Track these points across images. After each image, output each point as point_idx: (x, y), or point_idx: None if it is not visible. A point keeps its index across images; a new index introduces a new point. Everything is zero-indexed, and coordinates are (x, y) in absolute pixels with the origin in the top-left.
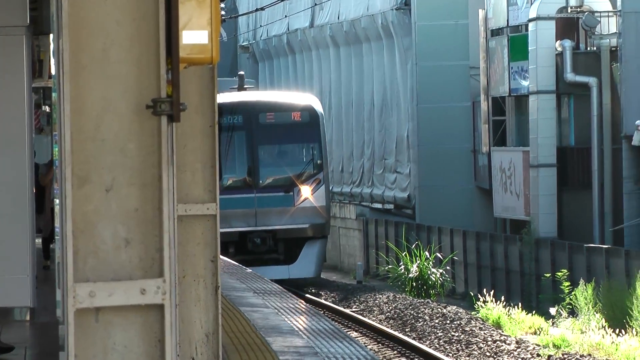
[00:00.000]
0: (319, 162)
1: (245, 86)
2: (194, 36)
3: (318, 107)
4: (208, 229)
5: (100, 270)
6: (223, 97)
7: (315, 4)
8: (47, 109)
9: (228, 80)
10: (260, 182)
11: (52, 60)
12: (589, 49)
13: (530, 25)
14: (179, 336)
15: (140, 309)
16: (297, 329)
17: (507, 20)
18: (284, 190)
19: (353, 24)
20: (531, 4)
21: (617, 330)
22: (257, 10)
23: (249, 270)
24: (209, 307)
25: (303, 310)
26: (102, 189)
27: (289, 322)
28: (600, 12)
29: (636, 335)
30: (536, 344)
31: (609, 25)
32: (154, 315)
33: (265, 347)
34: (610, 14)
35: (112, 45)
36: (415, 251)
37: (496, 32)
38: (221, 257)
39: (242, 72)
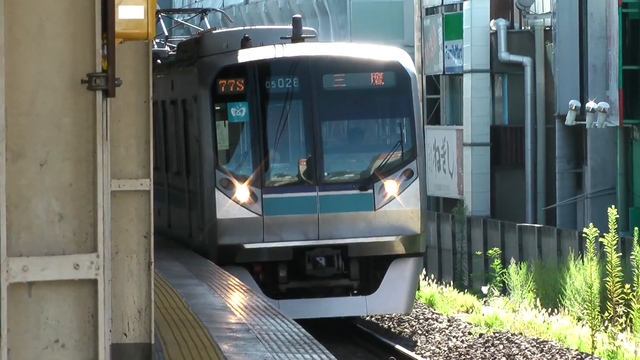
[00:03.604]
0: (410, 145)
1: (303, 35)
2: (130, 11)
3: (408, 65)
4: (141, 204)
5: (34, 245)
6: (271, 52)
7: None
8: None
9: (276, 28)
10: (325, 175)
11: None
12: (523, 28)
13: (465, 4)
14: (112, 311)
15: (74, 283)
16: (229, 306)
17: None
18: (359, 186)
19: (288, 1)
20: None
21: (549, 309)
22: None
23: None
24: (142, 283)
25: (236, 287)
26: (36, 164)
27: (222, 299)
28: None
29: (568, 314)
30: (468, 322)
31: (543, 5)
32: (87, 290)
33: (198, 323)
34: None
35: (47, 20)
36: None
37: (431, 11)
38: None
39: (298, 16)
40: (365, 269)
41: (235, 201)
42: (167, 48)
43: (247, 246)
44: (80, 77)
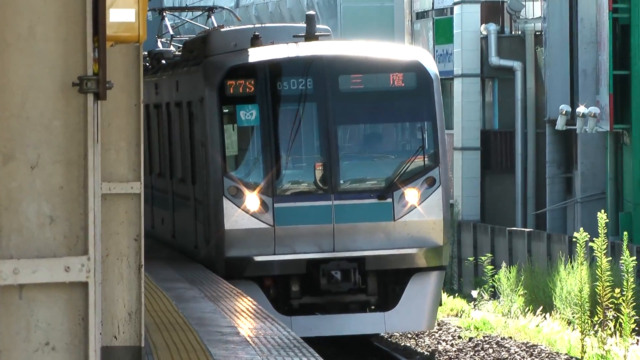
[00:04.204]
0: (432, 151)
1: (318, 34)
2: (121, 14)
3: (430, 66)
4: (132, 207)
5: (25, 248)
6: (283, 51)
7: None
8: None
9: (288, 26)
10: (341, 183)
11: None
12: (513, 33)
13: (456, 9)
14: (102, 314)
15: (65, 286)
16: (220, 309)
17: (433, 3)
18: (377, 195)
19: (279, 5)
20: None
21: (542, 314)
22: None
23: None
24: (132, 286)
25: (226, 291)
26: (27, 166)
27: (212, 303)
28: None
29: (558, 318)
30: (458, 326)
31: (534, 10)
32: (77, 293)
33: (188, 326)
34: None
35: (38, 23)
36: None
37: (421, 15)
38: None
39: (312, 12)
40: (384, 283)
41: (245, 210)
42: (172, 48)
43: (257, 259)
44: (71, 80)
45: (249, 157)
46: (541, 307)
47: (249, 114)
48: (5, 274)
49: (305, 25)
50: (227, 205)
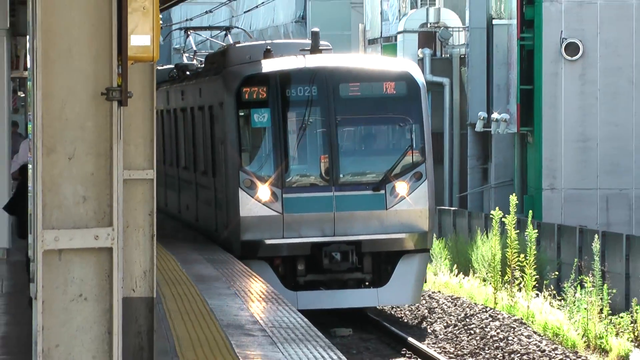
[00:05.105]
0: (420, 149)
1: (321, 48)
2: (140, 39)
3: (418, 76)
4: (147, 190)
5: (63, 220)
6: (291, 62)
7: (232, 16)
8: (22, 94)
9: (295, 42)
10: (341, 176)
11: (28, 56)
12: (443, 55)
13: (399, 37)
14: (123, 272)
15: (94, 251)
16: (218, 274)
17: (381, 32)
18: (372, 187)
19: (262, 33)
20: (399, 19)
21: (462, 273)
22: (186, 20)
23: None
24: (146, 250)
25: (224, 259)
26: (65, 157)
27: (212, 268)
28: (452, 27)
29: (476, 277)
30: None
31: (459, 38)
32: (104, 256)
33: (190, 282)
34: (460, 29)
35: (75, 45)
36: None
37: (372, 42)
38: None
39: (316, 29)
40: (377, 263)
41: (258, 200)
42: (195, 62)
43: (268, 242)
44: (100, 90)
45: (261, 153)
46: (462, 269)
47: (261, 117)
48: (49, 240)
49: (308, 41)
50: (243, 195)
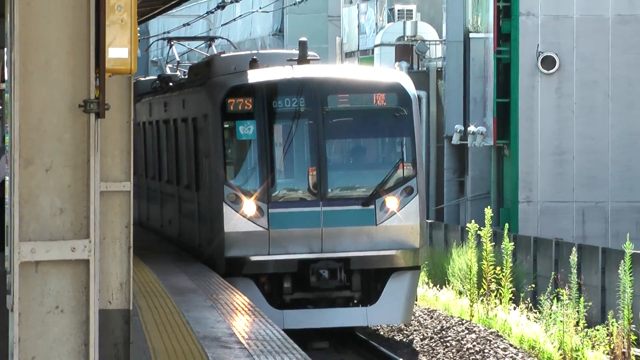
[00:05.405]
0: (411, 163)
1: (309, 58)
2: (117, 52)
3: (409, 87)
4: (124, 202)
5: (40, 232)
6: (278, 72)
7: (210, 29)
8: None
9: (282, 53)
10: (329, 191)
11: (5, 68)
12: (420, 69)
13: (376, 50)
14: (100, 284)
15: (71, 262)
16: (196, 286)
17: (358, 46)
18: (361, 202)
19: (239, 46)
20: (376, 33)
21: (438, 286)
22: (164, 33)
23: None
24: (123, 263)
25: (201, 271)
26: (43, 169)
27: (188, 278)
28: (429, 40)
29: (452, 289)
30: None
31: (436, 51)
32: (81, 268)
33: (165, 294)
34: (437, 42)
35: (52, 58)
36: None
37: (349, 55)
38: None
39: (304, 39)
40: (367, 281)
41: (243, 215)
42: (178, 73)
43: (254, 258)
44: (78, 102)
45: (246, 167)
46: (439, 281)
47: (247, 129)
48: (25, 252)
49: (295, 51)
50: (227, 210)
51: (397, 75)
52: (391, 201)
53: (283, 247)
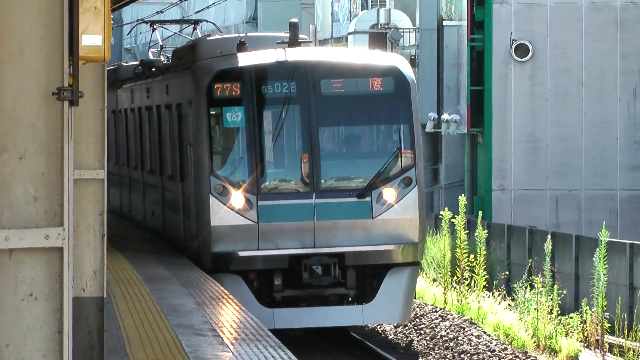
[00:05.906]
0: (409, 152)
1: (300, 40)
2: (91, 39)
3: (407, 71)
4: (97, 189)
5: (14, 220)
6: (268, 56)
7: (183, 17)
8: None
9: (272, 36)
10: (322, 182)
11: None
12: None
13: (350, 38)
14: (74, 272)
15: (45, 250)
16: (170, 275)
17: (332, 33)
18: (356, 194)
19: (212, 33)
20: (350, 20)
21: None
22: (137, 20)
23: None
24: (97, 250)
25: (177, 262)
26: (16, 157)
27: (165, 270)
28: (403, 28)
29: (425, 277)
30: None
31: (410, 39)
32: (55, 256)
33: (140, 281)
34: (410, 30)
35: (26, 45)
36: None
37: (323, 42)
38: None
39: (295, 20)
40: (362, 277)
41: (230, 208)
42: (161, 57)
43: (242, 254)
44: (52, 90)
45: (234, 157)
46: None
47: (235, 116)
48: None
49: (286, 34)
50: (214, 202)
51: (394, 58)
52: (388, 193)
53: (273, 241)
